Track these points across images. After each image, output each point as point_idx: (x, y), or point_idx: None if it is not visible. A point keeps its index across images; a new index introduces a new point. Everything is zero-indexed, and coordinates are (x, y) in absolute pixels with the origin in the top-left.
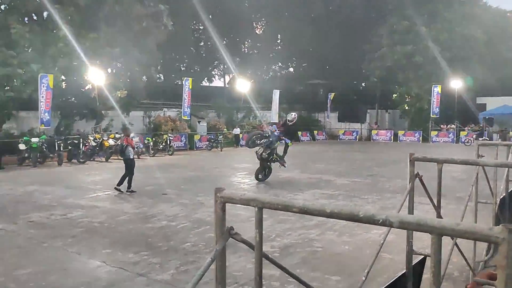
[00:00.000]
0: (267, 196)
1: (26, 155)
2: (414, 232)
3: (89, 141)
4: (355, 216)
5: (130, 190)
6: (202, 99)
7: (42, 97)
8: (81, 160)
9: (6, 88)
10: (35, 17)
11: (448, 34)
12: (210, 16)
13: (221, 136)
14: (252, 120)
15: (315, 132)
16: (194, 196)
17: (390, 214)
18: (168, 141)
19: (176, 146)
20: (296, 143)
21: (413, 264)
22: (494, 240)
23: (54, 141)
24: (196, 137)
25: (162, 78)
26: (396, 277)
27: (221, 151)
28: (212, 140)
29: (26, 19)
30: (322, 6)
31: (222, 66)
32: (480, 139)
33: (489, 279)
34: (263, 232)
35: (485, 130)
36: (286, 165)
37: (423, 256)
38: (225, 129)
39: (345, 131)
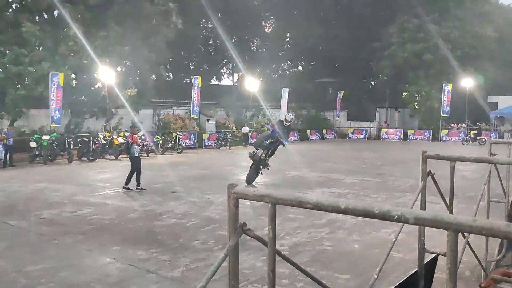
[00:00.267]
0: (280, 192)
1: (37, 152)
2: (426, 230)
3: (99, 139)
4: (369, 212)
5: (139, 187)
6: (211, 98)
7: (53, 95)
8: (91, 158)
9: (17, 86)
10: (46, 16)
11: (459, 32)
12: (219, 14)
13: (230, 135)
14: (261, 118)
15: (324, 130)
16: (203, 194)
17: (405, 210)
18: (177, 139)
19: (185, 144)
20: (305, 142)
21: (425, 262)
22: None
23: (64, 139)
24: (205, 136)
25: (171, 76)
26: (408, 276)
27: (230, 149)
28: (221, 139)
29: (37, 17)
30: (331, 4)
31: (231, 64)
32: (478, 138)
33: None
34: None
35: (497, 129)
36: (269, 167)
37: (435, 255)
38: (234, 128)
39: (354, 130)
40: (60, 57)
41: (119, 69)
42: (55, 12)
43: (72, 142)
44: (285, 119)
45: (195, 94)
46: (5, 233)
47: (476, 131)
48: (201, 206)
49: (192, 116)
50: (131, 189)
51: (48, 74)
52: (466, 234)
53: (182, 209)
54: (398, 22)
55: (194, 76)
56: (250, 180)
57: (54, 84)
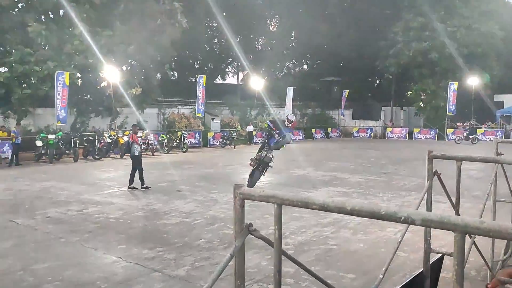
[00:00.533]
0: (287, 193)
1: (43, 151)
2: (431, 230)
3: (104, 138)
4: (376, 213)
5: (144, 186)
6: (216, 97)
7: (59, 94)
8: (96, 156)
9: (23, 86)
10: (51, 15)
11: (465, 31)
12: (224, 13)
13: (235, 134)
14: (266, 117)
15: (329, 129)
16: (208, 193)
17: (412, 211)
18: (182, 138)
19: (190, 143)
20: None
21: (430, 262)
22: None
23: (70, 137)
24: (210, 134)
25: (176, 75)
26: (413, 276)
27: (235, 148)
28: (226, 138)
29: (42, 17)
30: (336, 2)
31: (235, 63)
32: (470, 137)
33: (510, 278)
34: None
35: (503, 128)
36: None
37: (440, 255)
38: (239, 127)
39: (359, 128)
40: (66, 56)
41: (124, 68)
42: (61, 12)
43: (77, 141)
44: (287, 118)
45: (200, 93)
46: (12, 232)
47: (469, 130)
48: (206, 205)
49: (197, 115)
50: (137, 188)
51: (53, 73)
52: (472, 235)
53: (187, 208)
54: (404, 21)
55: (199, 75)
56: (254, 184)
57: (59, 83)
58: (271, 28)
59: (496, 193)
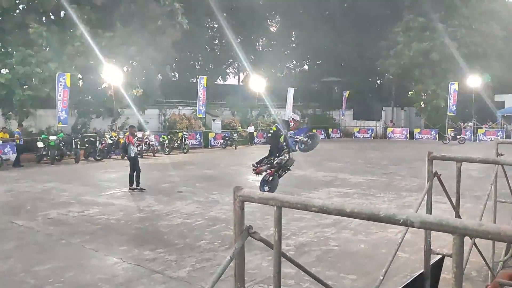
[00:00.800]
0: (286, 195)
1: (44, 152)
2: (432, 231)
3: (106, 139)
4: (375, 216)
5: (139, 187)
6: (217, 97)
7: (60, 95)
8: (97, 157)
9: (24, 87)
10: (52, 17)
11: (465, 31)
12: (225, 14)
13: (236, 134)
14: (267, 118)
15: (330, 130)
16: (209, 194)
17: (410, 214)
18: (183, 139)
19: (191, 144)
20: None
21: (431, 263)
22: None
23: (71, 139)
24: (211, 135)
25: (177, 76)
26: (414, 277)
27: (236, 149)
28: (227, 138)
29: (44, 18)
30: (337, 3)
31: (236, 64)
32: (458, 137)
33: (510, 280)
34: None
35: (503, 128)
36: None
37: (441, 256)
38: (240, 127)
39: (360, 129)
40: (67, 58)
41: (125, 69)
42: (62, 13)
43: (78, 142)
44: (293, 119)
45: (201, 93)
46: (13, 233)
47: (455, 131)
48: (207, 206)
49: (198, 115)
50: (137, 189)
51: (55, 75)
52: None
53: (188, 209)
54: (404, 21)
55: (200, 76)
56: (274, 191)
57: (61, 85)
58: (271, 29)
59: (496, 194)
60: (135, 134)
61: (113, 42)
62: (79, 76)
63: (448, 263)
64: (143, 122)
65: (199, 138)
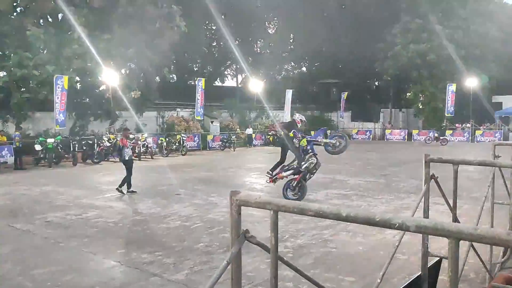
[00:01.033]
0: (283, 200)
1: (42, 155)
2: None
3: (103, 141)
4: (371, 220)
5: (130, 190)
6: (215, 99)
7: (57, 98)
8: (95, 160)
9: (22, 90)
10: (50, 19)
11: (463, 32)
12: (223, 16)
13: (234, 136)
14: (265, 120)
15: (329, 131)
16: (207, 196)
17: (406, 218)
18: (181, 141)
19: (189, 146)
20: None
21: (428, 266)
22: None
23: (69, 141)
24: (209, 137)
25: (175, 78)
26: (412, 279)
27: (234, 151)
28: (225, 140)
29: (41, 21)
30: (335, 5)
31: (234, 66)
32: (440, 138)
33: (506, 283)
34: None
35: (501, 129)
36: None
37: (438, 258)
38: (238, 129)
39: (358, 130)
40: (65, 60)
41: (123, 71)
42: (60, 16)
43: (76, 145)
44: (300, 119)
45: (199, 96)
46: (11, 237)
47: (439, 132)
48: (205, 209)
49: (196, 118)
50: (136, 191)
51: (52, 77)
52: None
53: (186, 211)
54: (402, 23)
55: (198, 78)
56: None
57: (58, 87)
58: (269, 31)
59: (494, 195)
60: (129, 136)
61: (111, 44)
62: (77, 78)
63: (446, 265)
64: (141, 124)
65: (197, 140)
